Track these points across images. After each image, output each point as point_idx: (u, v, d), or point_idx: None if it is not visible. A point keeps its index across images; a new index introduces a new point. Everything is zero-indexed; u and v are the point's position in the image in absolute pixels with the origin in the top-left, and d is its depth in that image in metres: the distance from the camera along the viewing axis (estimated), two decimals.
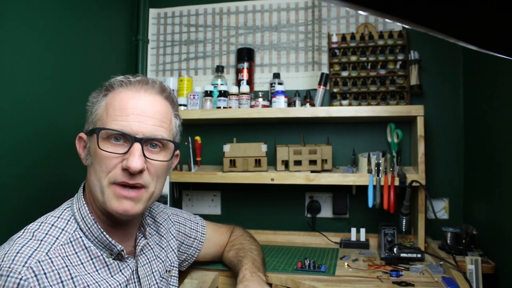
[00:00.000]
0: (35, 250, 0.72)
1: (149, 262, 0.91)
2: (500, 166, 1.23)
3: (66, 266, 0.74)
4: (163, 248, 0.98)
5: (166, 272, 0.96)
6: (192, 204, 1.80)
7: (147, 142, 0.80)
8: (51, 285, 0.70)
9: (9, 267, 0.67)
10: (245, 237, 1.22)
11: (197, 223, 1.15)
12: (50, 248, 0.73)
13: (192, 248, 1.11)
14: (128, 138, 0.78)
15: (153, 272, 0.91)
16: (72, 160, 1.27)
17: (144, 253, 0.91)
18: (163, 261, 0.96)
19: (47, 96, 1.22)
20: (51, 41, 1.24)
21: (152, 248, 0.94)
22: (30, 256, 0.70)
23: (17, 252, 0.70)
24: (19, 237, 0.75)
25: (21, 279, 0.67)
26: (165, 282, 0.95)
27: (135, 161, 0.76)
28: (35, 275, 0.69)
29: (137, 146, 0.77)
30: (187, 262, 1.12)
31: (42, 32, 1.20)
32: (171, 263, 1.00)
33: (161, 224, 1.01)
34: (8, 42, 1.07)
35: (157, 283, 0.91)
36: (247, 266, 1.03)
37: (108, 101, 0.82)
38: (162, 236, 0.99)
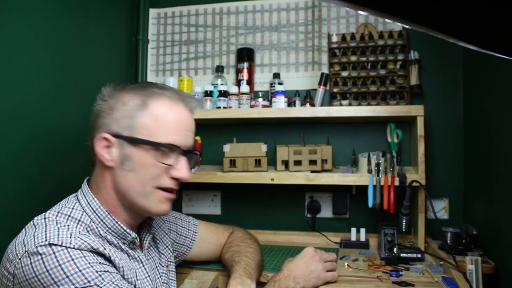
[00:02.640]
0: (68, 230, 0.76)
1: (152, 257, 0.96)
2: (500, 166, 1.23)
3: (98, 242, 0.78)
4: (157, 247, 1.00)
5: (164, 267, 0.99)
6: (192, 204, 1.80)
7: (189, 155, 0.90)
8: (101, 250, 0.75)
9: (58, 239, 0.71)
10: (243, 239, 1.21)
11: (189, 222, 1.16)
12: (77, 233, 0.77)
13: (184, 246, 1.13)
14: (176, 150, 0.85)
15: (156, 267, 0.95)
16: (73, 160, 1.28)
17: (147, 248, 0.95)
18: (158, 258, 0.99)
19: (47, 96, 1.22)
20: (51, 41, 1.24)
21: (152, 245, 0.98)
22: (70, 234, 0.74)
23: (58, 229, 0.74)
24: (44, 223, 0.77)
25: (74, 245, 0.72)
26: (165, 276, 0.98)
27: (188, 173, 0.87)
28: (84, 242, 0.73)
29: (186, 159, 0.87)
30: (177, 259, 1.14)
31: (41, 33, 1.20)
32: (167, 259, 1.02)
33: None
34: (8, 43, 1.07)
35: (160, 277, 0.95)
36: (236, 275, 1.01)
37: (156, 111, 0.84)
38: (154, 235, 1.02)
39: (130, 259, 0.85)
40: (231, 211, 1.78)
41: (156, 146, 0.83)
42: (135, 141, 0.83)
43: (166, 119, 0.84)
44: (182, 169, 0.85)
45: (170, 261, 1.03)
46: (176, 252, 1.12)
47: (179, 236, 1.12)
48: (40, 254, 0.69)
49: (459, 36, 0.32)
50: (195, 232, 1.16)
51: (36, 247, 0.70)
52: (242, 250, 1.14)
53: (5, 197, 1.06)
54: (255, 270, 1.08)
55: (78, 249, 0.72)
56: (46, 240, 0.71)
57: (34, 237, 0.72)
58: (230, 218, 1.75)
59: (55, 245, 0.70)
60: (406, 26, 0.40)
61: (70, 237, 0.73)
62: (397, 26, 1.64)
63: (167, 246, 1.04)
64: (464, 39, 0.32)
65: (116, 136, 0.84)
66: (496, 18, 0.31)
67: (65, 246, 0.71)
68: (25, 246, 0.72)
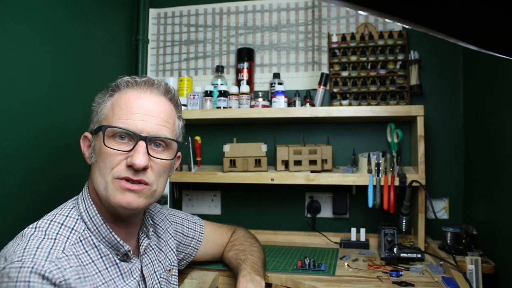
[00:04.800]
0: (52, 247, 0.73)
1: (151, 262, 0.93)
2: (500, 166, 1.23)
3: (80, 265, 0.75)
4: (161, 250, 0.99)
5: (166, 271, 0.97)
6: (192, 204, 1.80)
7: (151, 141, 0.82)
8: (71, 281, 0.71)
9: (32, 261, 0.68)
10: (246, 238, 1.22)
11: (195, 223, 1.15)
12: (64, 247, 0.75)
13: (190, 248, 1.12)
14: (133, 137, 0.80)
15: (155, 272, 0.93)
16: (74, 160, 1.28)
17: (146, 253, 0.92)
18: (161, 261, 0.97)
19: (48, 96, 1.22)
20: (51, 42, 1.24)
21: (153, 249, 0.95)
22: (49, 252, 0.71)
23: (37, 248, 0.71)
24: (32, 234, 0.75)
25: (45, 271, 0.68)
26: (165, 281, 0.96)
27: (140, 158, 0.78)
28: (58, 268, 0.70)
29: (141, 144, 0.79)
30: (185, 261, 1.13)
31: (42, 33, 1.20)
32: (170, 263, 1.00)
33: (158, 224, 1.02)
34: (8, 43, 1.07)
35: (159, 282, 0.93)
36: (245, 272, 1.01)
37: (114, 101, 0.84)
38: (160, 237, 1.00)
39: (120, 274, 0.82)
40: (231, 211, 1.78)
41: (104, 132, 0.80)
42: (94, 131, 0.85)
43: (118, 104, 0.83)
44: (135, 154, 0.78)
45: (173, 265, 1.01)
46: (183, 254, 1.10)
47: (185, 237, 1.10)
48: (8, 277, 0.67)
49: (459, 36, 0.32)
50: (201, 233, 1.15)
51: (10, 268, 0.67)
52: (247, 249, 1.14)
53: (5, 197, 1.06)
54: (262, 268, 1.09)
55: (46, 278, 0.67)
56: (20, 261, 0.68)
57: (13, 253, 0.71)
58: (230, 218, 1.75)
59: (26, 267, 0.67)
60: (406, 26, 0.40)
61: (46, 259, 0.69)
62: (397, 26, 1.64)
63: (172, 249, 1.03)
64: (464, 39, 0.32)
65: (91, 132, 0.87)
66: (496, 18, 0.31)
67: (30, 267, 0.67)
68: (6, 260, 0.70)
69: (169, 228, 1.06)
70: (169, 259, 1.00)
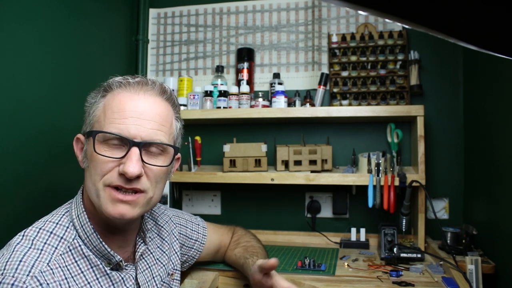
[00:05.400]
0: (37, 260, 0.70)
1: (149, 267, 0.89)
2: (500, 166, 1.23)
3: (66, 278, 0.72)
4: (164, 252, 0.96)
5: (168, 275, 0.94)
6: (192, 204, 1.80)
7: (146, 146, 0.77)
8: None
9: (13, 276, 0.66)
10: (249, 235, 1.23)
11: (198, 225, 1.13)
12: (51, 258, 0.72)
13: (193, 250, 1.10)
14: (125, 142, 0.75)
15: (154, 277, 0.89)
16: (72, 162, 1.27)
17: (143, 258, 0.89)
18: (164, 265, 0.94)
19: (47, 96, 1.22)
20: (50, 41, 1.24)
21: (152, 253, 0.92)
22: (33, 266, 0.68)
23: (20, 261, 0.68)
24: (18, 243, 0.72)
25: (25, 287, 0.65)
26: (166, 286, 0.93)
27: (132, 166, 0.73)
28: (40, 284, 0.67)
29: (134, 150, 0.75)
30: (187, 264, 1.11)
31: (41, 33, 1.20)
32: (173, 266, 0.98)
33: (162, 226, 0.99)
34: (8, 43, 1.07)
35: None
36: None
37: (106, 103, 0.79)
38: (164, 240, 0.98)
39: (111, 285, 0.79)
40: (231, 211, 1.78)
41: (95, 137, 0.75)
42: (86, 135, 0.80)
43: (110, 107, 0.78)
44: (127, 162, 0.73)
45: (176, 269, 0.99)
46: (186, 256, 1.08)
47: (189, 239, 1.08)
48: None
49: (459, 36, 0.32)
50: (205, 235, 1.13)
51: None
52: (255, 245, 1.15)
53: (5, 197, 1.06)
54: None
55: None
56: (1, 275, 0.66)
57: None
58: (230, 218, 1.75)
59: (6, 284, 0.65)
60: (406, 26, 0.40)
61: (28, 274, 0.67)
62: (397, 26, 1.64)
63: (176, 252, 1.00)
64: (464, 39, 0.32)
65: (83, 134, 0.83)
66: (496, 18, 0.31)
67: (11, 284, 0.65)
68: None
69: (173, 230, 1.03)
70: (173, 262, 0.98)
